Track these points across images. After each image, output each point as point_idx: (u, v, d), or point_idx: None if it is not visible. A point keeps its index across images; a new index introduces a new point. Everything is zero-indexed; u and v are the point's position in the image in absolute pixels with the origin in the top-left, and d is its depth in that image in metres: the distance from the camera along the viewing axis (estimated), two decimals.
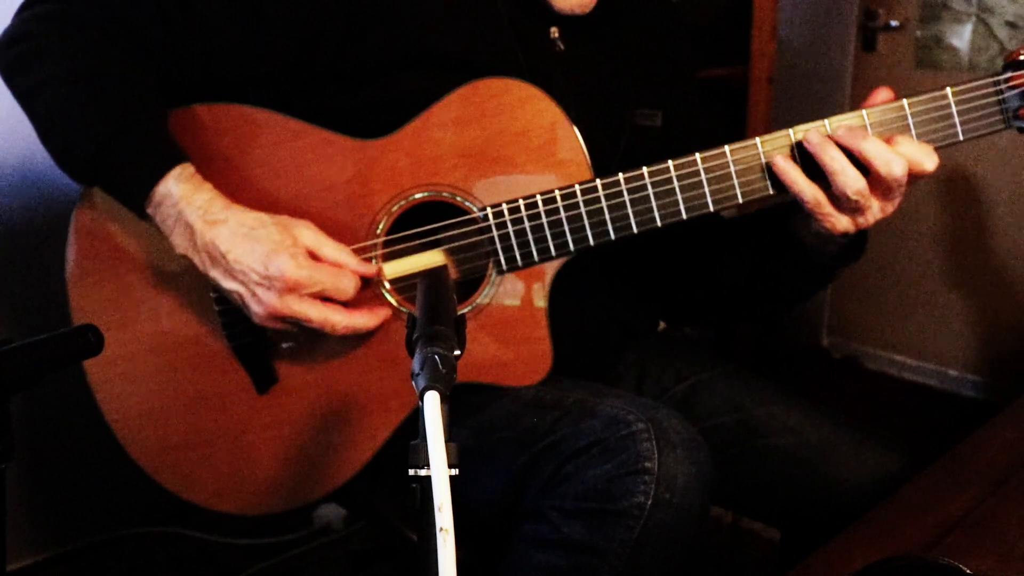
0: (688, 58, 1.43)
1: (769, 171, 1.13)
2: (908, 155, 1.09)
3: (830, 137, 1.10)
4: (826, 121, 1.12)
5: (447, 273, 0.89)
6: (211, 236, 1.09)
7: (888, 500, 1.17)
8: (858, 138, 1.09)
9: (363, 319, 1.15)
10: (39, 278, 1.87)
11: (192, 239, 1.10)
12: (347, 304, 1.14)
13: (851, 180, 1.09)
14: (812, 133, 1.11)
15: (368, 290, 1.19)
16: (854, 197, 1.09)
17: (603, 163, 1.17)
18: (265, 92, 1.23)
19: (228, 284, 1.11)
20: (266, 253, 1.09)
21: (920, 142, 1.11)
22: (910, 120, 1.12)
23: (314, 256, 1.12)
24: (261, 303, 1.10)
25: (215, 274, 1.11)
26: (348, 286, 1.12)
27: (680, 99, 1.36)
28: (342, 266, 1.13)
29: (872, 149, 1.08)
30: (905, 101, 1.13)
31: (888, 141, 1.09)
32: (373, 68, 1.19)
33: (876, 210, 1.13)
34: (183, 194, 1.10)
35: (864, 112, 1.13)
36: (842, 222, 1.13)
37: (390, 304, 1.20)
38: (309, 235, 1.12)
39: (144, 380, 1.23)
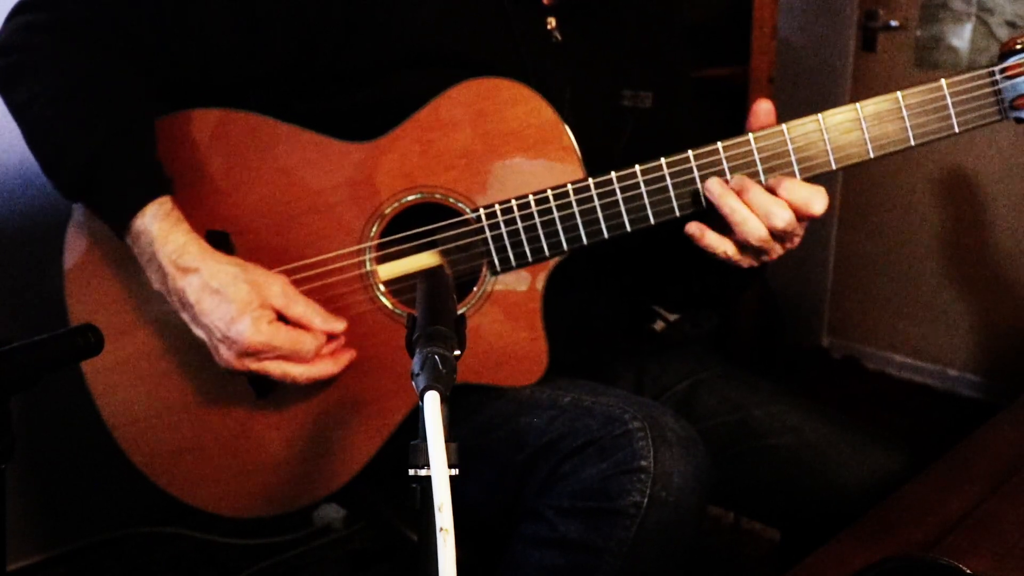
0: (682, 39, 1.42)
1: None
2: (794, 200, 1.08)
3: (728, 186, 1.10)
4: (819, 116, 1.12)
5: (446, 273, 0.88)
6: (181, 284, 1.10)
7: (888, 500, 1.17)
8: (744, 189, 1.09)
9: (322, 368, 1.15)
10: (39, 278, 1.86)
11: (164, 281, 1.12)
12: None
13: (753, 229, 1.09)
14: (711, 182, 1.11)
15: (363, 294, 1.19)
16: (757, 244, 1.10)
17: (600, 150, 1.17)
18: (265, 94, 1.23)
19: (195, 330, 1.13)
20: (230, 315, 1.09)
21: (809, 184, 1.10)
22: (905, 113, 1.12)
23: (282, 314, 1.12)
24: (221, 358, 1.12)
25: (185, 317, 1.13)
26: (308, 349, 1.13)
27: (672, 79, 1.36)
28: (307, 326, 1.13)
29: (755, 200, 1.08)
30: (899, 94, 1.12)
31: (777, 185, 1.09)
32: (372, 69, 1.19)
33: (779, 248, 1.13)
34: (158, 234, 1.10)
35: (858, 106, 1.12)
36: (746, 261, 1.14)
37: (385, 306, 1.20)
38: (278, 294, 1.12)
39: (143, 385, 1.23)
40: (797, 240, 1.13)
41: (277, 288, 1.13)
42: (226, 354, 1.11)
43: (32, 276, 1.93)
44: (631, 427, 1.08)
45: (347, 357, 1.18)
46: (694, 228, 1.12)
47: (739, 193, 1.10)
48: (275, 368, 1.13)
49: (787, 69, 3.05)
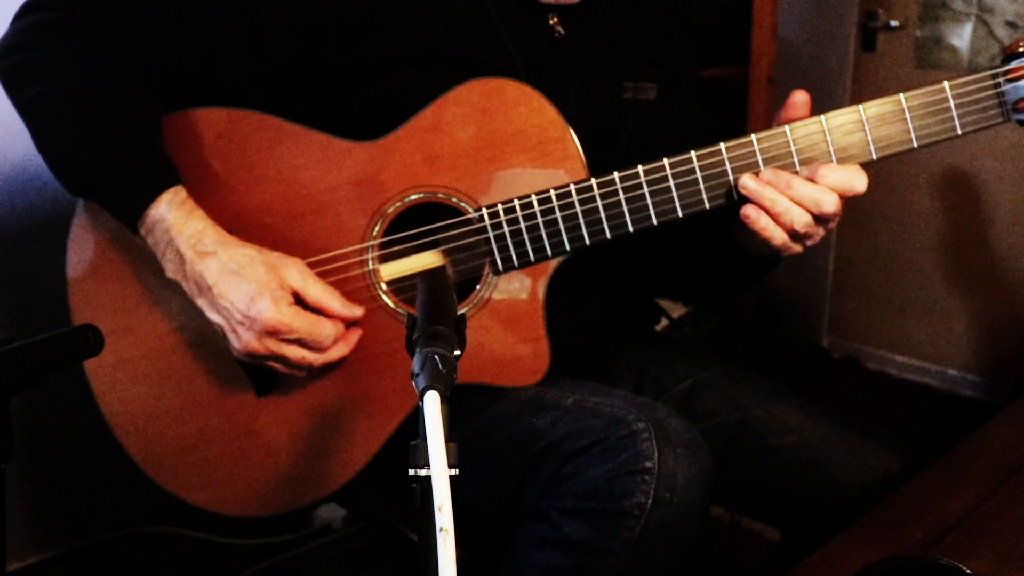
0: (684, 32, 1.43)
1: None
2: (836, 184, 1.11)
3: (763, 180, 1.12)
4: (822, 117, 1.12)
5: (446, 273, 0.89)
6: (200, 268, 1.10)
7: (888, 500, 1.17)
8: (783, 183, 1.11)
9: (336, 352, 1.16)
10: (39, 278, 1.87)
11: (182, 267, 1.12)
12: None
13: (797, 216, 1.12)
14: (746, 179, 1.12)
15: (365, 293, 1.19)
16: (803, 231, 1.12)
17: (605, 143, 1.17)
18: (265, 94, 1.23)
19: (212, 316, 1.12)
20: (251, 294, 1.09)
21: (845, 165, 1.13)
22: (907, 115, 1.12)
23: (299, 296, 1.13)
24: (241, 340, 1.11)
25: (201, 303, 1.12)
26: (327, 336, 1.13)
27: (675, 72, 1.36)
28: (324, 308, 1.14)
29: (801, 193, 1.11)
30: (902, 96, 1.12)
31: (813, 174, 1.11)
32: (372, 68, 1.19)
33: (822, 231, 1.16)
34: (174, 221, 1.10)
35: (860, 107, 1.12)
36: (795, 248, 1.16)
37: (387, 305, 1.20)
38: (296, 275, 1.13)
39: (146, 384, 1.22)
40: (837, 219, 1.16)
41: (294, 269, 1.13)
42: (246, 336, 1.10)
43: (32, 276, 1.93)
44: (636, 428, 1.08)
45: (355, 337, 1.18)
46: (751, 210, 1.12)
47: (783, 188, 1.11)
48: (294, 352, 1.12)
49: (787, 69, 3.04)
